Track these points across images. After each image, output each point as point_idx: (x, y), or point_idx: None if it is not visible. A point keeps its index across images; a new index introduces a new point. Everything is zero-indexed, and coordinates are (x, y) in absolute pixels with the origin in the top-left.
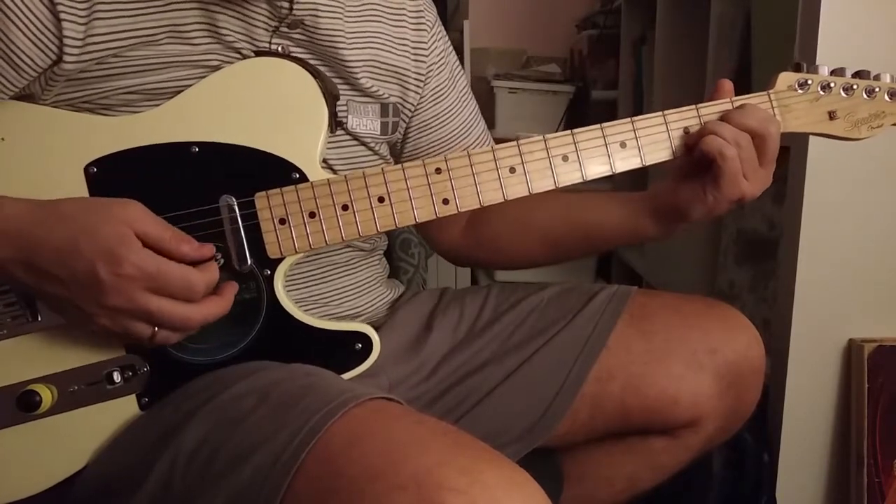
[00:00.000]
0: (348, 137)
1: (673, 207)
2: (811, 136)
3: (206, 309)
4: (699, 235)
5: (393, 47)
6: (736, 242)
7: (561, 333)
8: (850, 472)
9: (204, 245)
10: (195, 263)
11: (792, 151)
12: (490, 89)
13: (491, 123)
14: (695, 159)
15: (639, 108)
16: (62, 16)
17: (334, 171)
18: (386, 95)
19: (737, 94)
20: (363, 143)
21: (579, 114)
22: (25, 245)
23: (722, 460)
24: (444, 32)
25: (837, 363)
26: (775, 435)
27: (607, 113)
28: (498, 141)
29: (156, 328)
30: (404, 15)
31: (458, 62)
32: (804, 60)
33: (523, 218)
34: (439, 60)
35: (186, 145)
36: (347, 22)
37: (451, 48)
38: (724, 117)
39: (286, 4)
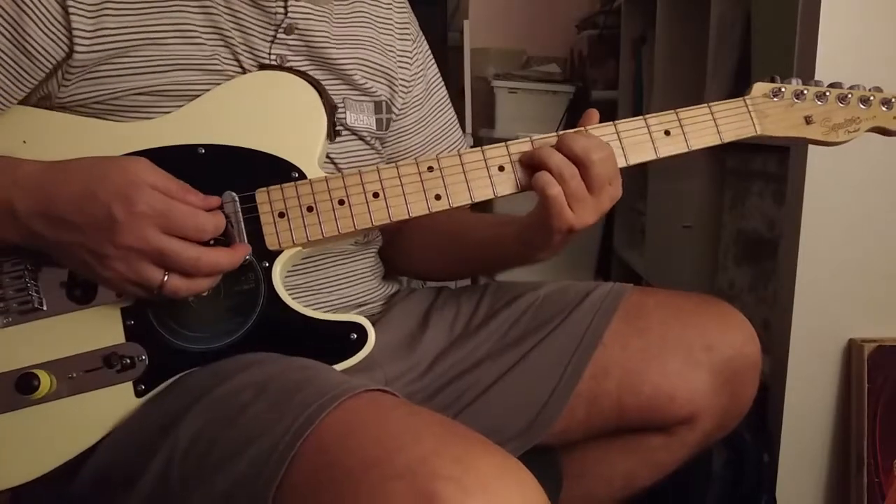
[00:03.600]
0: (346, 132)
1: (522, 233)
2: None
3: (215, 255)
4: (699, 235)
5: (383, 51)
6: (736, 242)
7: (556, 331)
8: (850, 472)
9: (210, 196)
10: None
11: (792, 152)
12: (490, 89)
13: (491, 123)
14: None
15: (639, 108)
16: (70, 9)
17: (334, 164)
18: (378, 93)
19: (737, 95)
20: (360, 138)
21: (579, 114)
22: (43, 196)
23: (722, 461)
24: (426, 45)
25: (837, 363)
26: (775, 435)
27: (607, 113)
28: (498, 141)
29: (166, 276)
30: (391, 25)
31: (437, 74)
32: (804, 61)
33: (425, 235)
34: (419, 71)
35: (193, 147)
36: (334, 26)
37: (433, 61)
38: (557, 142)
39: (281, 9)
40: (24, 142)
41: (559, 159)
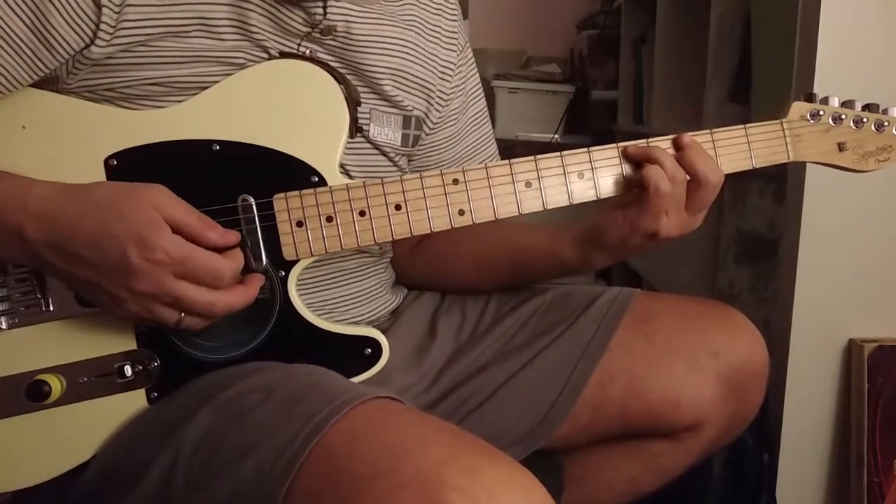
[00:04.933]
0: (368, 146)
1: (591, 231)
2: None
3: (231, 297)
4: (699, 235)
5: (424, 61)
6: (736, 242)
7: (563, 336)
8: (850, 472)
9: (229, 232)
10: (221, 250)
11: None
12: (490, 89)
13: (491, 123)
14: (627, 182)
15: (639, 108)
16: (102, 1)
17: (351, 178)
18: (410, 108)
19: (737, 95)
20: (383, 153)
21: (579, 114)
22: (57, 229)
23: (722, 461)
24: (472, 57)
25: (837, 363)
26: (775, 435)
27: (607, 113)
28: (498, 141)
29: (182, 314)
30: (439, 32)
31: (478, 86)
32: (804, 61)
33: (461, 239)
34: (461, 84)
35: (207, 143)
36: (377, 29)
37: (476, 72)
38: (683, 152)
39: (320, 10)
40: (24, 127)
41: (674, 163)
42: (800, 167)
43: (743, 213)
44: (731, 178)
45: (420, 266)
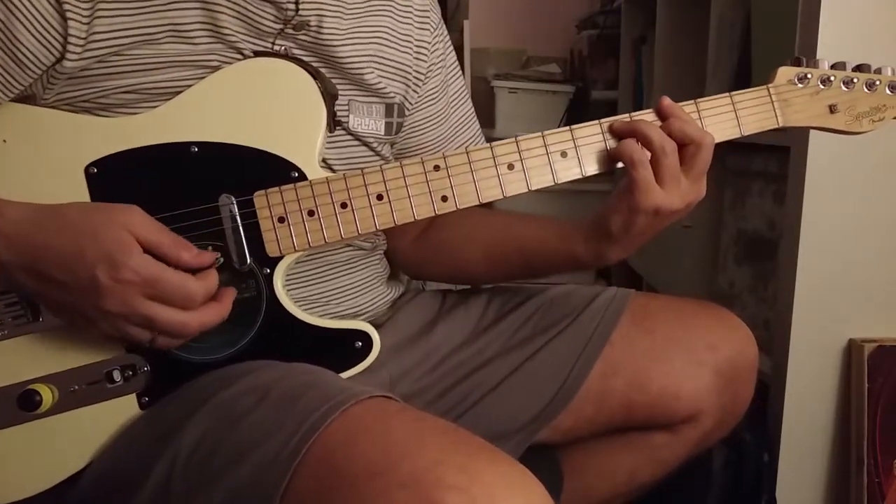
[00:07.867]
0: (349, 137)
1: (596, 222)
2: (811, 135)
3: (204, 316)
4: (699, 235)
5: (397, 43)
6: (736, 242)
7: (565, 330)
8: (850, 472)
9: (203, 252)
10: (195, 271)
11: (792, 151)
12: (490, 89)
13: (491, 123)
14: (611, 157)
15: (639, 108)
16: (68, 14)
17: (333, 172)
18: (392, 94)
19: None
20: (365, 143)
21: (579, 114)
22: (29, 249)
23: (722, 460)
24: (447, 34)
25: (837, 363)
26: (775, 435)
27: (607, 113)
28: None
29: (155, 334)
30: (411, 12)
31: (455, 64)
32: (804, 57)
33: (471, 229)
34: (438, 62)
35: (186, 145)
36: (349, 19)
37: (452, 50)
38: (669, 120)
39: (292, 6)
40: (4, 141)
41: (661, 134)
42: (799, 166)
43: (743, 213)
44: (731, 177)
45: (427, 255)
